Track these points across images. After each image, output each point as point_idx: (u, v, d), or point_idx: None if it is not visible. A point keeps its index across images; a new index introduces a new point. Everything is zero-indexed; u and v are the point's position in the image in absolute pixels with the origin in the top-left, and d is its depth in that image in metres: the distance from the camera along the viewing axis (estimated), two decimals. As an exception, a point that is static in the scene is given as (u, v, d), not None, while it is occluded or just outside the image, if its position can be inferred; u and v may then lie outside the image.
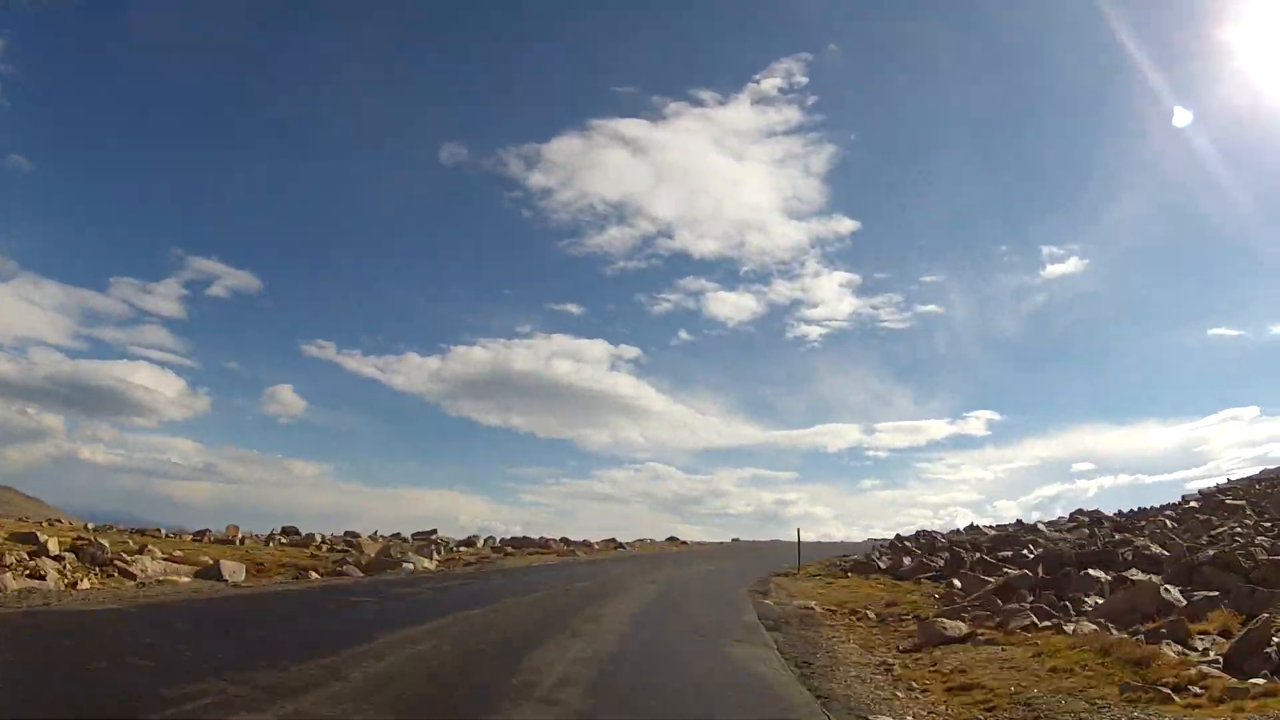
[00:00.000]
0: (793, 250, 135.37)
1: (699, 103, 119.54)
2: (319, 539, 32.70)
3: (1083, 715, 7.81)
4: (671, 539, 60.70)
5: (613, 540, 51.80)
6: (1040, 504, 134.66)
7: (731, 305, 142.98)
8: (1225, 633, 12.10)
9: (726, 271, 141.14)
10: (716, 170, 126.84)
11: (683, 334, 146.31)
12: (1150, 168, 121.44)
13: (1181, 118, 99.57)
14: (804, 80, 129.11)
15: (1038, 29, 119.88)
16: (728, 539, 72.38)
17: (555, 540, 46.85)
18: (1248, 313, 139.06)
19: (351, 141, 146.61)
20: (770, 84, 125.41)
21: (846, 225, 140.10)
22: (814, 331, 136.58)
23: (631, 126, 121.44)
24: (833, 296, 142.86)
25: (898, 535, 51.98)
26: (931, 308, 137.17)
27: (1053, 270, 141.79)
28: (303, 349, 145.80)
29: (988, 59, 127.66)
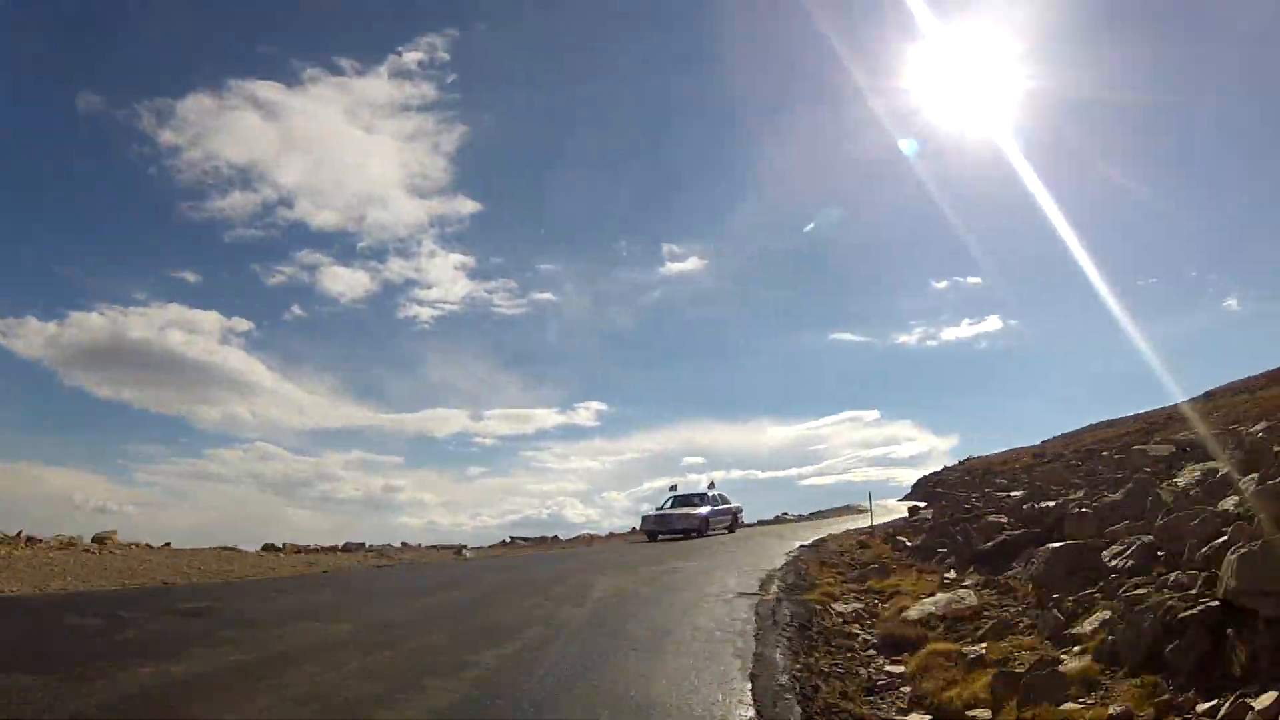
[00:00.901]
0: (412, 228, 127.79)
1: (338, 70, 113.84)
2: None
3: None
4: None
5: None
6: (651, 496, 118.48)
7: (346, 281, 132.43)
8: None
9: (344, 246, 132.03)
10: (345, 141, 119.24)
11: (296, 309, 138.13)
12: (784, 175, 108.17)
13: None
14: (446, 57, 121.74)
15: (710, 34, 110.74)
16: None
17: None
18: (872, 322, 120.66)
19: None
20: (412, 57, 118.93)
21: (468, 207, 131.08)
22: (426, 313, 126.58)
23: (267, 89, 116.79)
24: (447, 278, 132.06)
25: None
26: (547, 296, 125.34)
27: (672, 268, 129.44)
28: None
29: (646, 59, 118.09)
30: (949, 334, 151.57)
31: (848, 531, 25.65)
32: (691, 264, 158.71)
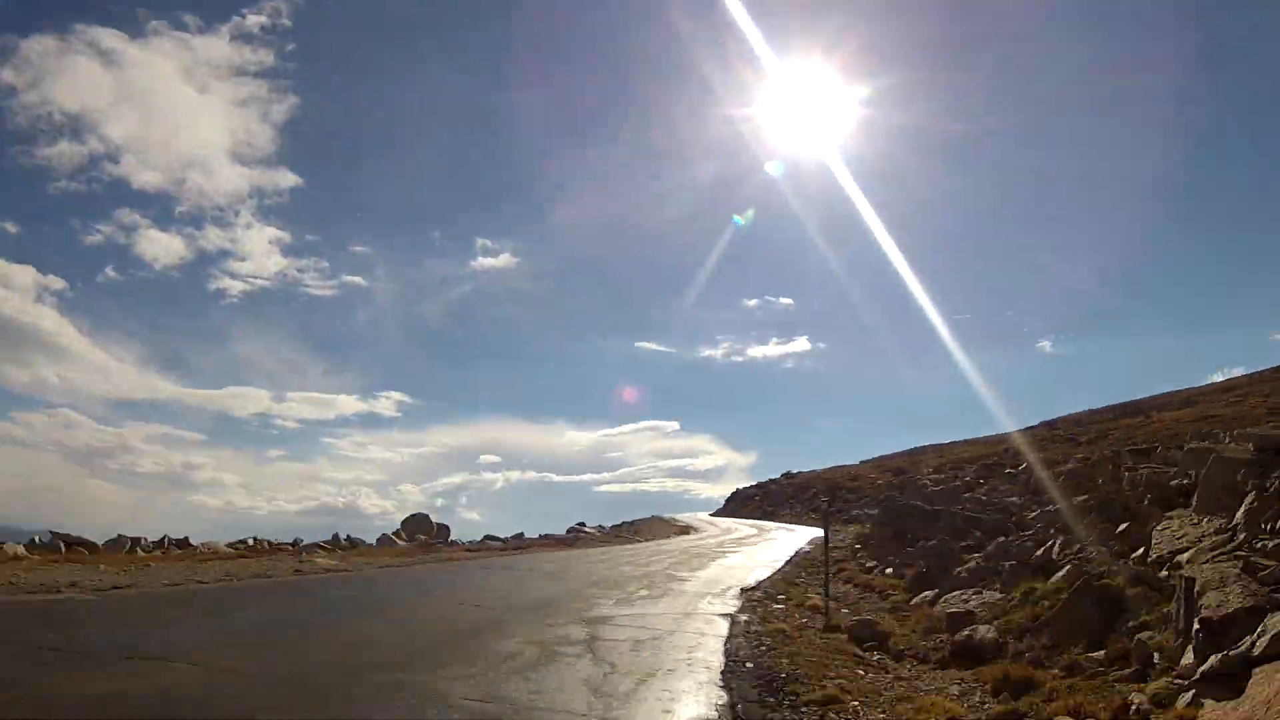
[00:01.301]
0: (231, 197, 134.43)
1: (182, 26, 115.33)
2: None
3: None
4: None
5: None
6: (446, 492, 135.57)
7: (163, 246, 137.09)
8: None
9: (163, 209, 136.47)
10: (179, 99, 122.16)
11: (110, 271, 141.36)
12: (603, 179, 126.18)
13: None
14: (289, 24, 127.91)
15: (551, 40, 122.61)
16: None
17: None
18: (679, 334, 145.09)
19: None
20: (256, 21, 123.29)
21: (290, 180, 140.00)
22: (237, 286, 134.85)
23: (111, 38, 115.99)
24: (261, 252, 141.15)
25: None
26: (358, 280, 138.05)
27: (484, 262, 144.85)
28: None
29: (486, 55, 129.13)
30: (756, 351, 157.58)
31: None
32: (504, 260, 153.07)
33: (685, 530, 43.30)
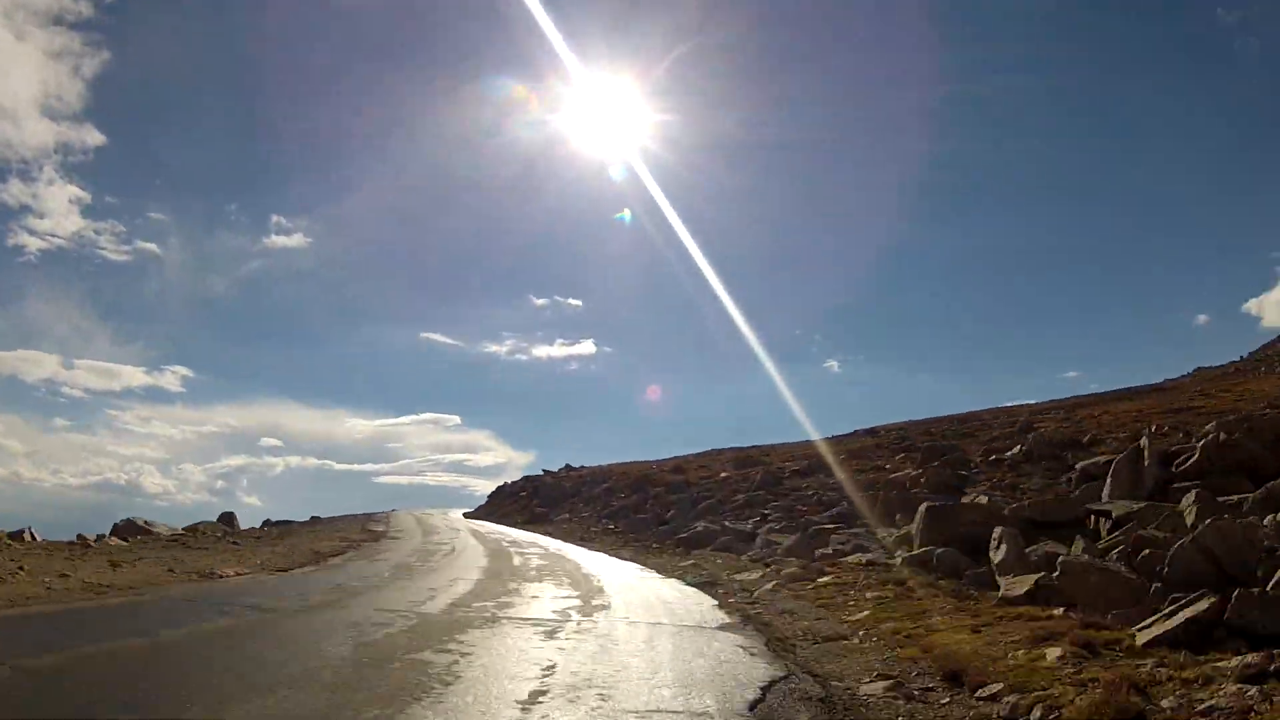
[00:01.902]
0: (37, 151, 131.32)
1: None
2: None
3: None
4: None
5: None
6: (227, 474, 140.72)
7: None
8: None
9: None
10: None
11: None
12: (403, 169, 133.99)
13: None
14: None
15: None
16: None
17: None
18: (464, 327, 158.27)
19: None
20: None
21: (95, 138, 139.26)
22: (35, 244, 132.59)
23: None
24: (61, 211, 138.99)
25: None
26: (152, 246, 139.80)
27: (277, 240, 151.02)
28: None
29: (310, 28, 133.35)
30: (541, 351, 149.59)
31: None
32: (296, 240, 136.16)
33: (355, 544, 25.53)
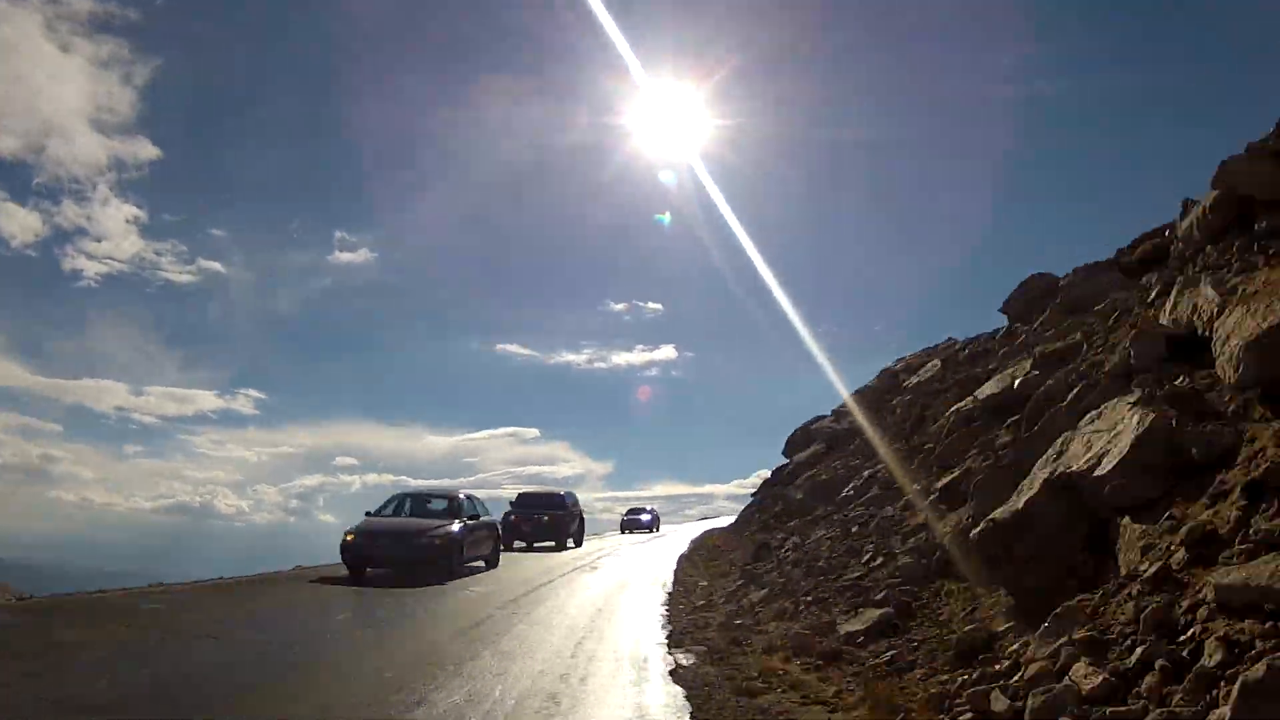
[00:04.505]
0: (90, 169, 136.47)
1: None
2: None
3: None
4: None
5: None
6: (303, 494, 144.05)
7: (20, 222, 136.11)
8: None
9: (22, 180, 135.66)
10: (41, 57, 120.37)
11: None
12: (468, 177, 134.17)
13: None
14: None
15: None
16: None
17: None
18: (541, 336, 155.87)
19: None
20: None
21: (149, 152, 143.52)
22: (94, 268, 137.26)
23: None
24: (119, 232, 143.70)
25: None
26: (215, 265, 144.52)
27: (342, 257, 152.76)
28: None
29: (359, 32, 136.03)
30: (619, 359, 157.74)
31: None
32: (362, 255, 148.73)
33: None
